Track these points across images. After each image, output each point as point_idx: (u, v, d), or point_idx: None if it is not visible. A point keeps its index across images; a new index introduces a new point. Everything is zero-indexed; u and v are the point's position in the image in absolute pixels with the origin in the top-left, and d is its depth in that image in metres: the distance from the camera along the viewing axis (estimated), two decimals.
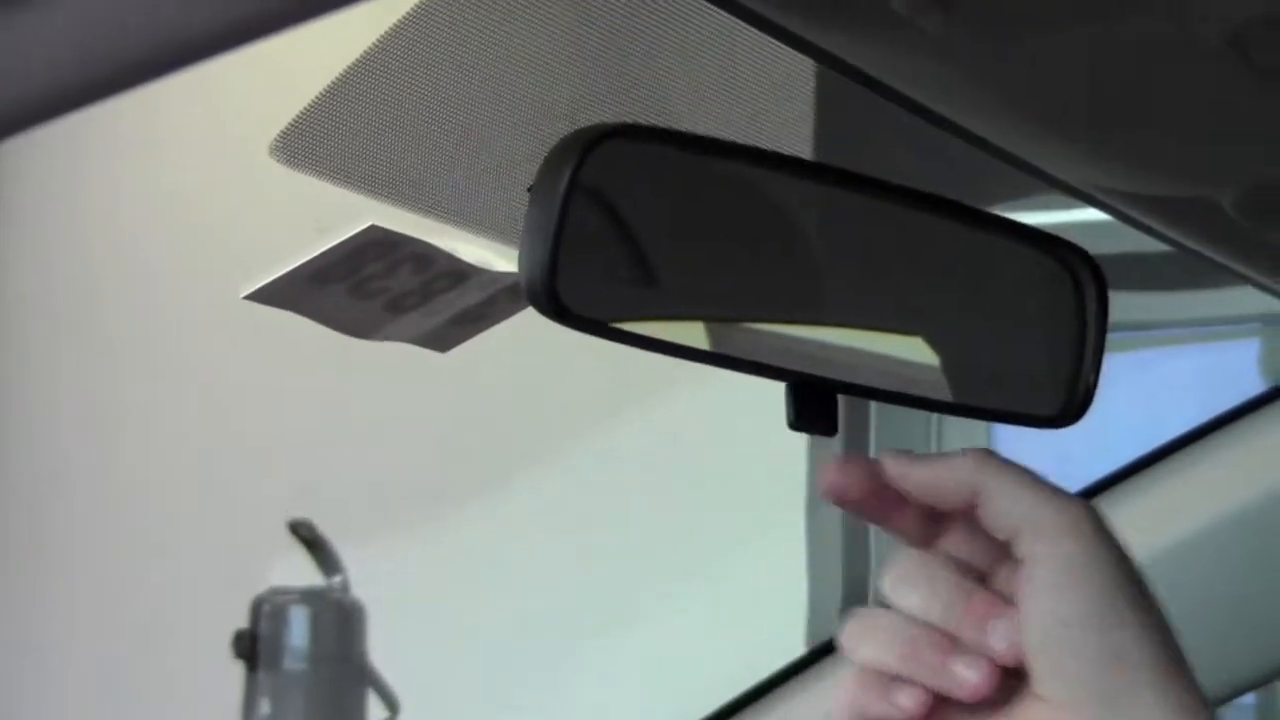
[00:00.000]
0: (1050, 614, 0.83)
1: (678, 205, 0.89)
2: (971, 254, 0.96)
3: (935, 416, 2.63)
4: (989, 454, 0.87)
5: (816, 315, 0.93)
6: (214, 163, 3.36)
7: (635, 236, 0.88)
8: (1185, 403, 2.92)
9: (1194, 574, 1.65)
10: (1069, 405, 0.94)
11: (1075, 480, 1.75)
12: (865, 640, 0.85)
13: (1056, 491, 0.86)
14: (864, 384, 0.92)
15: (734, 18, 0.88)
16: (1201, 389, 2.98)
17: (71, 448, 3.52)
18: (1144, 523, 1.66)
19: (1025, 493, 0.85)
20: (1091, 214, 1.14)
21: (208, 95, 3.18)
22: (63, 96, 0.56)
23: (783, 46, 0.91)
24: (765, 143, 1.00)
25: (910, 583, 0.86)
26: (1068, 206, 1.17)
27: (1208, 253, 1.20)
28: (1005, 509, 0.85)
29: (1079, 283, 0.96)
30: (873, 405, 2.60)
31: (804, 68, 1.06)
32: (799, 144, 1.13)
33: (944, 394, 0.96)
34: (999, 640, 0.83)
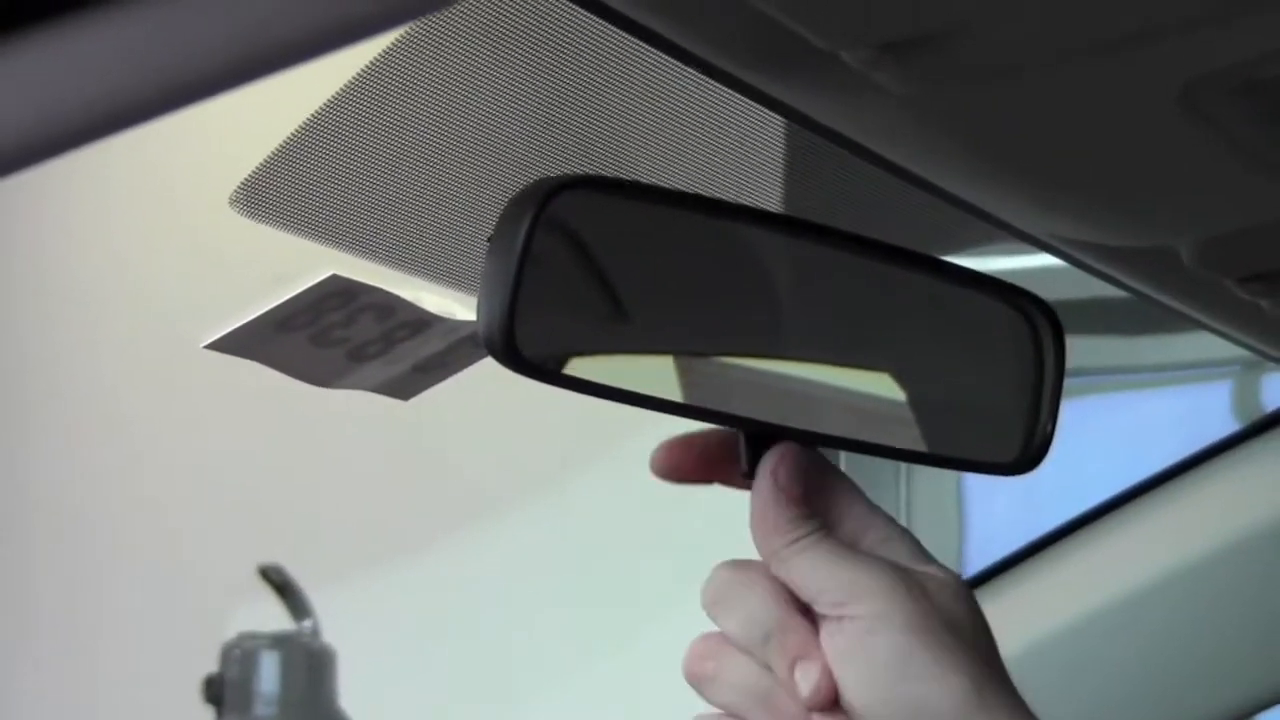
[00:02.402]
0: (851, 669, 0.84)
1: (637, 256, 0.89)
2: (930, 303, 0.96)
3: (905, 464, 2.64)
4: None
5: (775, 365, 0.94)
6: (168, 222, 3.37)
7: (594, 287, 0.88)
8: (1161, 443, 2.93)
9: (1172, 608, 1.67)
10: (1026, 453, 0.95)
11: (1045, 518, 1.76)
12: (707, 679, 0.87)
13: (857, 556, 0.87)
14: (820, 432, 0.92)
15: (696, 72, 0.89)
16: (1178, 430, 2.99)
17: (38, 499, 3.51)
18: (1119, 560, 1.68)
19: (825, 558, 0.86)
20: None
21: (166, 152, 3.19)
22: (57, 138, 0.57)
23: (744, 99, 0.92)
24: (729, 194, 1.01)
25: (727, 605, 0.87)
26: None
27: (1166, 301, 1.21)
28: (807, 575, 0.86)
29: (1037, 331, 0.96)
30: (843, 454, 2.60)
31: (766, 120, 1.06)
32: (761, 194, 1.14)
33: (901, 442, 0.96)
34: (803, 683, 0.84)
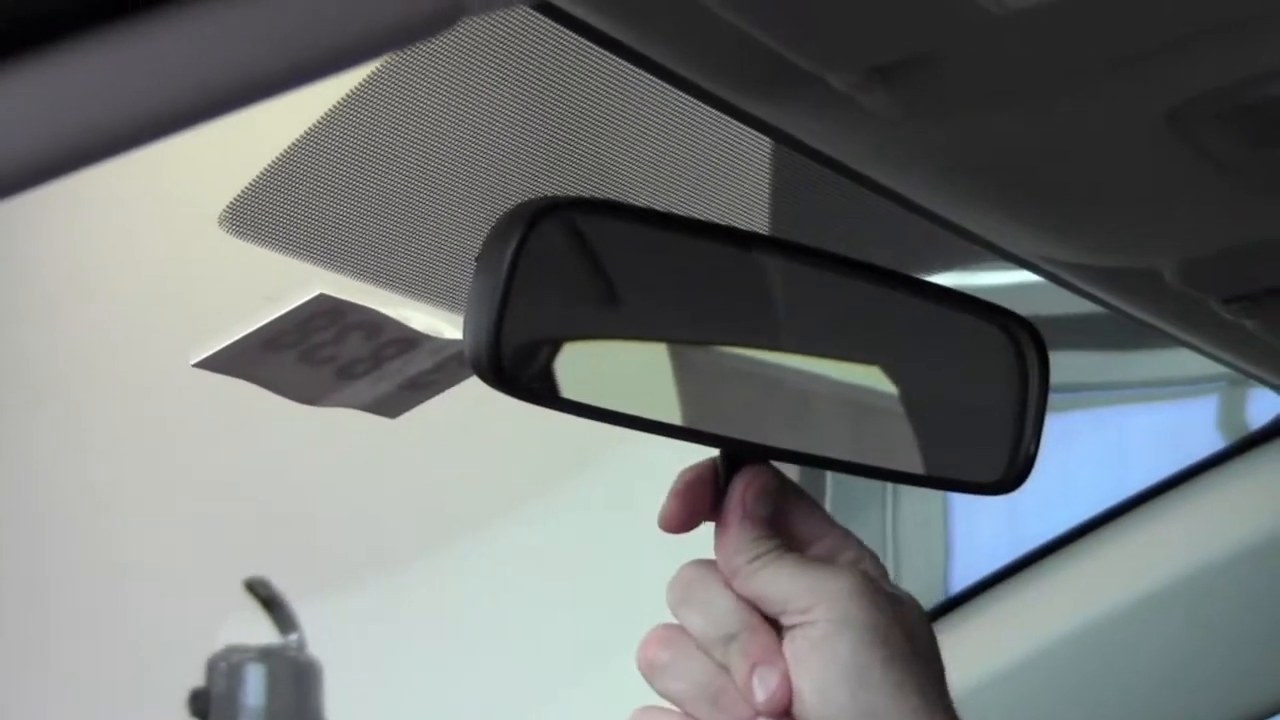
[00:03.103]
0: (809, 673, 0.84)
1: (623, 277, 0.89)
2: (914, 323, 0.96)
3: (890, 484, 2.64)
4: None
5: (758, 385, 0.94)
6: (146, 235, 3.37)
7: (580, 307, 0.88)
8: (1146, 459, 2.93)
9: (1158, 625, 1.67)
10: (1009, 472, 0.95)
11: (1029, 534, 1.76)
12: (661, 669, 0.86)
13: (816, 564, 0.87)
14: (804, 452, 0.93)
15: (685, 94, 0.89)
16: (1164, 446, 2.99)
17: (12, 513, 3.51)
18: (1103, 578, 1.68)
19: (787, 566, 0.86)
20: None
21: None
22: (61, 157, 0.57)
23: (733, 121, 0.92)
24: (716, 215, 1.01)
25: (693, 604, 0.87)
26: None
27: (1151, 321, 1.21)
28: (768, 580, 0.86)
29: (1021, 351, 0.96)
30: (829, 474, 2.60)
31: (753, 141, 1.07)
32: (748, 215, 1.14)
33: (885, 462, 0.96)
34: (759, 688, 0.84)
